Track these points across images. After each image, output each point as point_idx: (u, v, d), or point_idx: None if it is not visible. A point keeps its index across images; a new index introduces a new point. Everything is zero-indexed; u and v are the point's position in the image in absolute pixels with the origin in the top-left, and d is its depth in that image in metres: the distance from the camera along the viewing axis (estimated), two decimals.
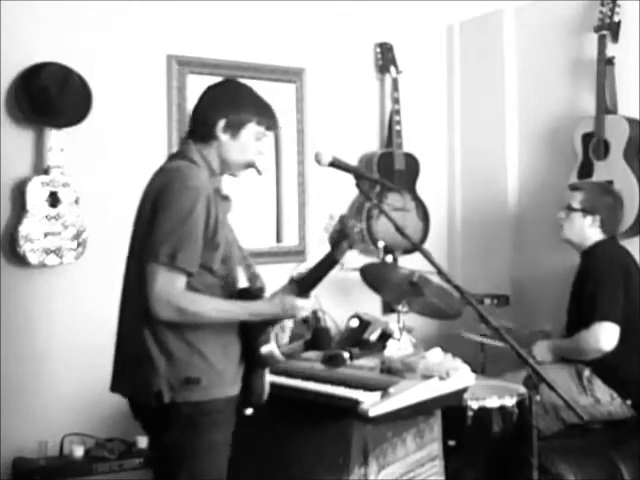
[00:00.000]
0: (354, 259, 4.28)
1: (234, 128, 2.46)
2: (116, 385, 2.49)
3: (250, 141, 2.49)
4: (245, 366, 2.46)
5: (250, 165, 2.54)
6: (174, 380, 2.32)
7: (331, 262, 2.37)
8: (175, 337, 2.33)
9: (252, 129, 2.48)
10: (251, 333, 2.43)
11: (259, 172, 2.58)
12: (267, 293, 2.48)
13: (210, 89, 2.56)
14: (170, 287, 2.28)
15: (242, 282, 2.45)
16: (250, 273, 2.51)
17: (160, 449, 2.48)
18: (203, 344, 2.35)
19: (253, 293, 2.44)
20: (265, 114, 2.52)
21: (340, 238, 2.34)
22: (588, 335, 3.40)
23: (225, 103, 2.49)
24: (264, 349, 2.45)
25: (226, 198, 2.54)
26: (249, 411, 2.50)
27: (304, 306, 2.42)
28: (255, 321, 2.40)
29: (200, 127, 2.50)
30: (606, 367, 3.41)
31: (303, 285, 2.41)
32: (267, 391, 2.53)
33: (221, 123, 2.45)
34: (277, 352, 2.48)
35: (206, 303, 2.34)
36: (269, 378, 2.55)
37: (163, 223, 2.30)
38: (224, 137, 2.46)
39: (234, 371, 2.42)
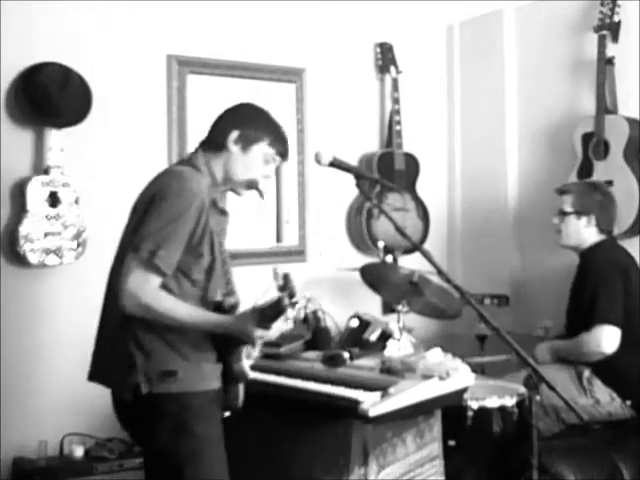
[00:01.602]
0: (354, 259, 4.32)
1: (246, 142, 2.49)
2: (93, 374, 2.51)
3: (258, 160, 2.51)
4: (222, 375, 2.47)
5: (253, 186, 2.54)
6: (151, 373, 2.34)
7: (278, 309, 2.30)
8: (152, 335, 2.35)
9: (263, 149, 2.51)
10: (222, 350, 2.44)
11: (261, 195, 2.59)
12: (241, 308, 2.47)
13: (234, 106, 2.60)
14: (143, 283, 2.29)
15: (217, 296, 2.45)
16: (228, 289, 2.50)
17: (151, 454, 2.46)
18: (180, 343, 2.37)
19: (225, 309, 2.42)
20: (279, 140, 2.55)
21: (282, 292, 2.30)
22: (589, 338, 3.39)
23: (243, 118, 2.54)
24: (235, 367, 2.45)
25: (223, 212, 2.54)
26: (226, 413, 2.50)
27: (263, 336, 2.37)
28: (218, 333, 2.39)
29: (213, 136, 2.54)
30: (606, 368, 3.41)
31: (261, 319, 2.35)
32: (242, 397, 2.53)
33: (234, 134, 2.48)
34: (247, 370, 2.48)
35: (173, 305, 2.33)
36: (267, 378, 2.55)
37: (152, 220, 2.32)
38: (234, 148, 2.49)
39: (211, 367, 2.43)
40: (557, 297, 3.80)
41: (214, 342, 2.43)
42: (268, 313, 2.32)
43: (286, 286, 2.28)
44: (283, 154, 2.57)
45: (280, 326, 2.36)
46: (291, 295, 2.27)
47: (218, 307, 2.42)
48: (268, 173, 2.56)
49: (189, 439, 2.35)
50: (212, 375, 2.42)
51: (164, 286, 2.34)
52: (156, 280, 2.31)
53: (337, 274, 4.15)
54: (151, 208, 2.33)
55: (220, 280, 2.47)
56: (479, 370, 3.68)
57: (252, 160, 2.50)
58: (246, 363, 2.48)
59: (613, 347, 3.36)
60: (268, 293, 2.37)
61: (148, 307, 2.29)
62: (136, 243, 2.31)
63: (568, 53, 4.25)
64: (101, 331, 2.51)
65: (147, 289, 2.30)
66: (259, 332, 2.34)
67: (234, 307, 2.45)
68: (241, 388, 2.54)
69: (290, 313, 2.30)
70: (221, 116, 2.58)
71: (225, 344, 2.43)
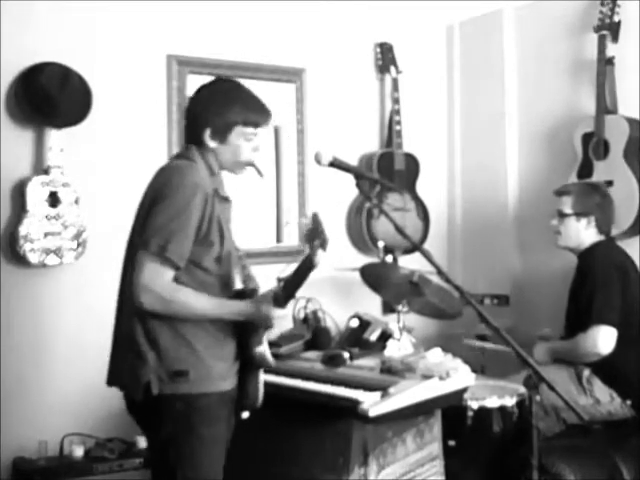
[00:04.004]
0: (354, 259, 4.32)
1: (221, 134, 2.48)
2: (111, 378, 2.51)
3: (240, 143, 2.50)
4: (240, 367, 2.47)
5: (248, 164, 2.55)
6: (163, 373, 2.34)
7: (309, 265, 2.31)
8: (166, 331, 2.35)
9: (239, 131, 2.49)
10: (244, 333, 2.45)
11: (260, 174, 2.59)
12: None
13: (198, 92, 2.57)
14: (157, 277, 2.31)
15: (237, 283, 2.46)
16: (245, 275, 2.51)
17: (154, 446, 2.50)
18: (194, 338, 2.37)
19: (247, 294, 2.44)
20: (252, 112, 2.50)
21: (311, 237, 2.30)
22: (586, 339, 3.39)
23: (210, 110, 2.49)
24: (256, 350, 2.46)
25: (226, 199, 2.55)
26: (245, 414, 2.51)
27: (280, 315, 2.40)
28: (238, 320, 2.41)
29: (191, 133, 2.53)
30: (606, 367, 3.41)
31: (286, 290, 2.38)
32: (262, 395, 2.55)
33: (207, 131, 2.47)
34: (269, 354, 2.49)
35: (189, 296, 2.35)
36: (266, 378, 2.56)
37: (158, 215, 2.33)
38: (213, 144, 2.48)
39: (227, 367, 2.43)
40: (557, 297, 3.80)
41: (235, 327, 2.44)
42: (298, 275, 2.33)
43: (316, 227, 2.28)
44: (263, 123, 2.53)
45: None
46: (321, 233, 2.26)
47: (240, 294, 2.43)
48: (256, 147, 2.53)
49: (189, 437, 2.36)
50: (225, 375, 2.42)
51: (176, 279, 2.34)
52: (170, 273, 2.33)
53: (337, 274, 4.15)
54: (156, 204, 2.35)
55: (236, 266, 2.48)
56: (479, 370, 3.68)
57: (235, 146, 2.49)
58: (267, 348, 2.48)
59: (609, 348, 3.36)
60: (288, 268, 2.38)
61: (165, 300, 2.30)
62: (145, 239, 2.33)
63: (568, 53, 4.24)
64: (117, 335, 2.51)
65: (162, 283, 2.31)
66: (278, 312, 2.37)
67: (255, 291, 2.46)
68: (261, 383, 2.54)
69: (322, 255, 2.28)
70: (190, 108, 2.56)
71: (245, 327, 2.44)
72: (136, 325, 2.36)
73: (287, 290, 2.37)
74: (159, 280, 2.31)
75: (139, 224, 2.43)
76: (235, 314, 2.41)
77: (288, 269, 2.40)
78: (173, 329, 2.36)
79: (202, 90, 2.57)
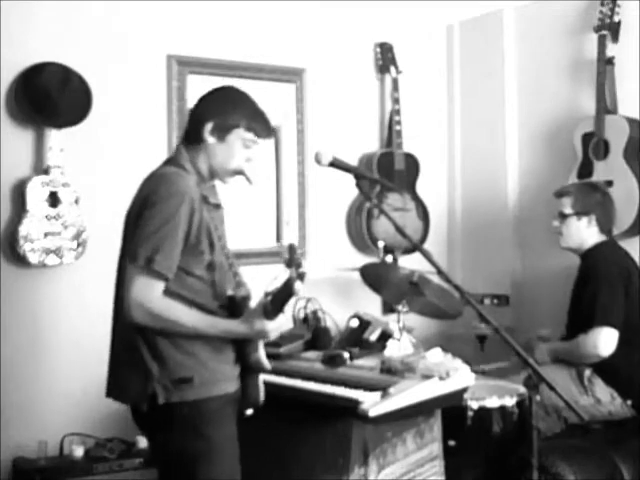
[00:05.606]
0: (354, 259, 4.32)
1: (221, 131, 2.46)
2: (112, 390, 2.49)
3: (237, 146, 2.47)
4: (240, 370, 2.47)
5: (238, 172, 2.52)
6: (167, 381, 2.33)
7: (288, 290, 2.31)
8: (165, 340, 2.34)
9: (240, 134, 2.47)
10: (240, 341, 2.44)
11: (249, 181, 2.56)
12: (253, 300, 2.46)
13: (206, 93, 2.57)
14: (146, 291, 2.28)
15: (228, 290, 2.45)
16: (236, 281, 2.50)
17: (162, 455, 2.48)
18: (195, 345, 2.36)
19: (237, 301, 2.42)
20: (256, 121, 2.50)
21: (289, 266, 2.29)
22: (587, 340, 3.39)
23: (215, 106, 2.49)
24: (252, 357, 2.46)
25: (217, 206, 2.54)
26: (249, 411, 2.51)
27: (274, 328, 2.38)
28: (229, 338, 2.40)
29: (190, 129, 2.52)
30: (607, 367, 3.41)
31: (273, 304, 2.36)
32: (263, 393, 2.54)
33: (208, 126, 2.45)
34: (264, 360, 2.48)
35: (181, 312, 2.33)
36: (266, 378, 2.56)
37: (144, 227, 2.31)
38: (211, 140, 2.46)
39: (229, 369, 2.43)
40: (557, 297, 3.80)
41: None
42: (280, 297, 2.32)
43: (292, 257, 2.27)
44: (263, 135, 2.52)
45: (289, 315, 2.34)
46: (298, 266, 2.26)
47: (231, 301, 2.42)
48: (250, 157, 2.51)
49: (199, 442, 2.35)
50: (229, 377, 2.41)
51: (171, 292, 2.33)
52: (159, 286, 2.30)
53: (337, 274, 4.15)
54: (143, 215, 2.33)
55: (227, 273, 2.47)
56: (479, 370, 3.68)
57: (231, 148, 2.46)
58: (263, 354, 2.47)
59: (610, 349, 3.36)
60: (277, 279, 2.37)
61: (155, 315, 2.28)
62: (132, 252, 2.31)
63: (568, 53, 4.24)
64: (114, 345, 2.49)
65: (152, 297, 2.29)
66: (271, 325, 2.35)
67: (246, 299, 2.43)
68: (261, 384, 2.53)
69: (300, 286, 2.27)
70: (195, 106, 2.56)
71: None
72: (136, 338, 2.34)
73: (275, 305, 2.36)
74: (148, 294, 2.28)
75: (128, 234, 2.41)
76: (228, 333, 2.39)
77: (276, 282, 2.38)
78: (173, 338, 2.34)
79: (212, 92, 2.57)
